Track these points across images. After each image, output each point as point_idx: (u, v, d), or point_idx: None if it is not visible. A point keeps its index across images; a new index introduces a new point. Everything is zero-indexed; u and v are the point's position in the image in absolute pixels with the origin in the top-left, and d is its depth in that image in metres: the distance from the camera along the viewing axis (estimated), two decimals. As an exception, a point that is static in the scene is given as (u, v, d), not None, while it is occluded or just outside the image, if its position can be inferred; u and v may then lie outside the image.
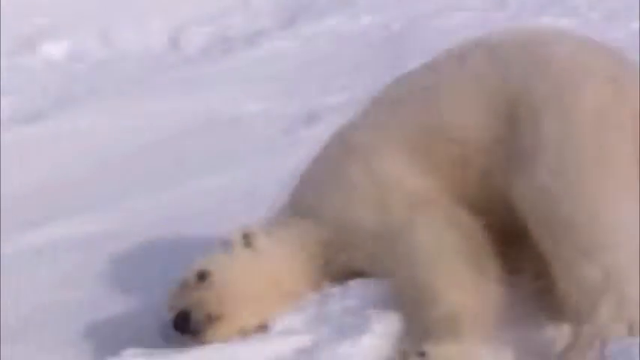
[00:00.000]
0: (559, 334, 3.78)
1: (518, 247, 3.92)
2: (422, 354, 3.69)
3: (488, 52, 3.97)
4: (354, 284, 4.14)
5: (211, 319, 4.08)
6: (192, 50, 9.68)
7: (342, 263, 4.19)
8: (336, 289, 4.17)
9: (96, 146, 7.47)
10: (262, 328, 4.14)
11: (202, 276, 4.18)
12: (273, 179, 5.61)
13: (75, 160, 7.24)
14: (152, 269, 4.86)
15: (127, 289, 4.90)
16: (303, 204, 4.27)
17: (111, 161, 7.16)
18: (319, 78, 8.11)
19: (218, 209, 5.74)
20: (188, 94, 8.24)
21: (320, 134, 5.90)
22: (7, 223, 6.22)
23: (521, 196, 3.77)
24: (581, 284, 3.57)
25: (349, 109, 6.74)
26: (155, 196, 6.32)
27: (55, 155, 7.40)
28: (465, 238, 3.86)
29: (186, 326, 4.10)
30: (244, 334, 4.10)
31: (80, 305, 4.85)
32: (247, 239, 4.23)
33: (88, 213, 6.19)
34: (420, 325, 3.82)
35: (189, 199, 6.15)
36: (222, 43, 9.67)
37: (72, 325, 4.63)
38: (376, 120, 4.12)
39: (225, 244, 4.27)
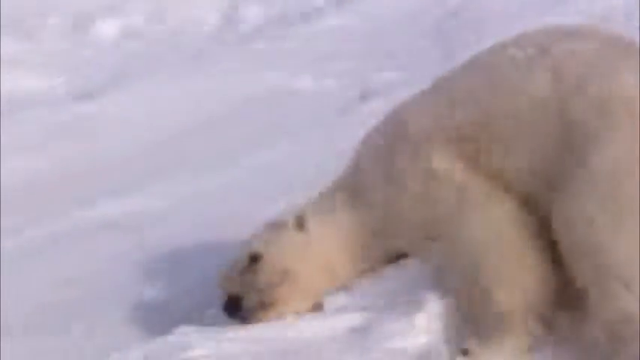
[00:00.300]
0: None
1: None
2: (465, 352, 3.72)
3: (552, 68, 3.87)
4: (407, 264, 4.16)
5: (263, 305, 4.10)
6: (247, 27, 9.63)
7: (390, 249, 4.19)
8: (389, 269, 4.19)
9: (151, 123, 7.47)
10: (317, 306, 4.16)
11: (254, 258, 4.18)
12: (326, 156, 5.61)
13: (126, 139, 7.24)
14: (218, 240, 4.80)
15: (167, 273, 4.94)
16: (355, 184, 4.25)
17: (164, 140, 7.16)
18: (374, 56, 8.05)
19: (273, 185, 5.75)
20: (243, 71, 8.22)
21: (374, 112, 5.88)
22: (62, 200, 6.30)
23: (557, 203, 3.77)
24: (617, 314, 3.53)
25: (403, 87, 6.80)
26: (210, 173, 6.35)
27: (110, 133, 7.41)
28: (515, 230, 3.84)
29: (237, 311, 4.12)
30: (296, 315, 4.12)
31: (115, 288, 4.92)
32: (300, 221, 4.22)
33: (145, 190, 6.24)
34: (468, 320, 3.85)
35: (245, 176, 6.17)
36: (277, 20, 9.60)
37: (108, 306, 4.73)
38: (430, 111, 4.09)
39: (277, 226, 4.26)
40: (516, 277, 3.79)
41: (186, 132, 7.22)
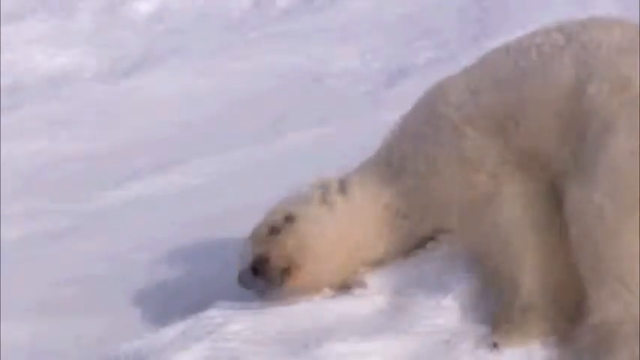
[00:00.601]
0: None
1: None
2: (492, 345, 3.75)
3: (576, 57, 3.87)
4: (435, 248, 4.17)
5: (290, 268, 4.07)
6: (275, 10, 9.62)
7: (418, 231, 4.18)
8: (417, 253, 4.19)
9: (177, 106, 7.49)
10: (345, 287, 4.14)
11: (289, 219, 4.15)
12: (354, 139, 5.65)
13: (156, 120, 7.28)
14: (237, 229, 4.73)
15: (207, 249, 4.94)
16: (388, 165, 4.23)
17: (192, 120, 7.18)
18: (401, 38, 8.06)
19: (301, 167, 5.67)
20: (271, 54, 8.24)
21: (402, 95, 5.95)
22: (92, 180, 6.32)
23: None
24: (610, 315, 3.54)
25: (431, 69, 6.86)
26: (238, 154, 6.36)
27: (137, 114, 7.43)
28: (544, 220, 3.84)
29: (263, 271, 4.08)
30: (321, 289, 4.11)
31: (146, 266, 4.91)
32: (343, 186, 4.19)
33: (173, 171, 6.26)
34: (494, 306, 3.87)
35: (272, 159, 6.19)
36: (304, 4, 9.60)
37: (140, 284, 4.74)
38: (461, 96, 4.08)
39: (320, 188, 4.22)
40: (542, 268, 3.80)
41: (214, 113, 7.23)
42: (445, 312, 3.92)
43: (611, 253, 3.52)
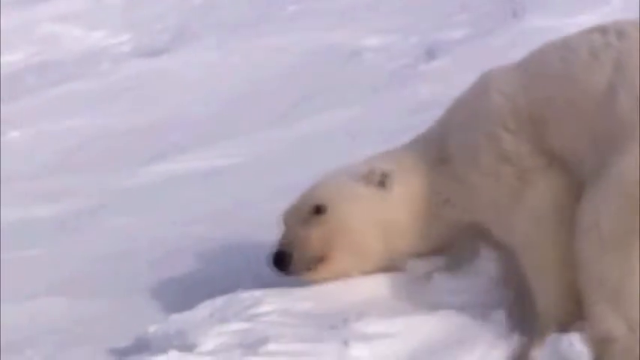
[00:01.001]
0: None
1: None
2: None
3: (614, 57, 3.66)
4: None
5: (312, 263, 3.99)
6: None
7: (456, 222, 4.03)
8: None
9: (214, 82, 7.48)
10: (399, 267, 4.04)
11: (319, 209, 4.02)
12: (392, 114, 5.67)
13: (193, 95, 7.29)
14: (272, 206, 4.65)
15: (237, 231, 4.89)
16: (439, 152, 4.06)
17: (229, 96, 7.16)
18: (439, 12, 7.99)
19: (339, 144, 5.71)
20: (307, 30, 8.20)
21: (440, 69, 5.97)
22: (130, 156, 6.34)
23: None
24: (602, 332, 3.46)
25: (469, 44, 6.84)
26: (276, 132, 6.34)
27: (173, 90, 7.46)
28: (564, 229, 3.65)
29: (284, 267, 4.00)
30: (355, 274, 4.03)
31: (180, 244, 4.89)
32: (384, 178, 4.02)
33: (209, 147, 6.25)
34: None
35: (307, 137, 6.14)
36: None
37: (171, 262, 4.72)
38: (509, 88, 3.92)
39: (354, 178, 4.06)
40: (555, 278, 3.70)
41: (250, 90, 7.21)
42: (474, 289, 3.90)
43: (610, 269, 3.41)
